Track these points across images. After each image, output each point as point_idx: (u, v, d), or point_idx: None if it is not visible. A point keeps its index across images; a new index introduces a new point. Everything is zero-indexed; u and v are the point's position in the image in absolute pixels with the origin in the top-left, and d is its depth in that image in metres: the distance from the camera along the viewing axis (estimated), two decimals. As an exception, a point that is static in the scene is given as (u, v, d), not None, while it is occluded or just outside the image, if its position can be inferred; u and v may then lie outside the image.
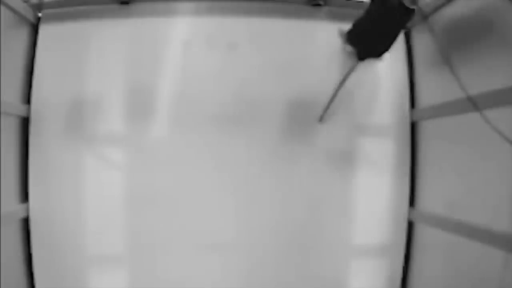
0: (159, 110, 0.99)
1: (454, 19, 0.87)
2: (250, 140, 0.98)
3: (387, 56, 1.01)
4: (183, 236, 0.96)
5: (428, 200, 0.96)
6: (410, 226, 1.00)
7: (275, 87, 0.99)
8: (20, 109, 0.94)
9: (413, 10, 0.88)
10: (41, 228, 0.95)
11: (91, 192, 0.96)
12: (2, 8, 0.85)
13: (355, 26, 0.92)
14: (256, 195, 0.97)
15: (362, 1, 1.01)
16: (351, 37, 0.93)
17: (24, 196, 0.95)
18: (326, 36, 1.01)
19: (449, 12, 0.88)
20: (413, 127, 1.01)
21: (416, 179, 1.00)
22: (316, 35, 1.01)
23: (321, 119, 0.96)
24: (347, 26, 1.00)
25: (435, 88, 0.93)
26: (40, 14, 0.98)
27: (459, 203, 0.83)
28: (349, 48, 0.93)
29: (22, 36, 0.95)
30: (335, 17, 1.01)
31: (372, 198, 1.01)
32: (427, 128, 0.97)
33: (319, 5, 1.00)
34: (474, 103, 0.75)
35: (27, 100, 0.96)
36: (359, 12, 0.98)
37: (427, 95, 0.96)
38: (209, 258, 0.96)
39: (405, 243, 1.00)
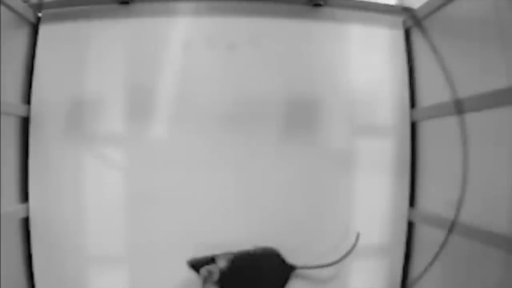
0: (160, 110, 0.98)
1: (454, 19, 0.87)
2: (250, 140, 0.98)
3: (387, 56, 1.02)
4: (184, 236, 0.96)
5: (428, 200, 0.96)
6: (410, 226, 1.00)
7: (276, 87, 0.99)
8: (20, 109, 0.94)
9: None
10: (41, 228, 0.95)
11: (91, 192, 0.96)
12: (2, 8, 0.85)
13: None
14: (257, 195, 0.97)
15: (362, 1, 1.01)
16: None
17: (24, 196, 0.95)
18: (326, 36, 1.01)
19: (449, 12, 0.88)
20: (413, 127, 1.01)
21: (416, 179, 1.00)
22: (316, 35, 1.01)
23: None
24: (346, 29, 1.01)
25: (435, 88, 0.93)
26: (40, 14, 0.97)
27: (459, 203, 0.83)
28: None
29: (22, 36, 0.95)
30: (335, 17, 1.01)
31: (372, 198, 1.00)
32: (427, 128, 0.97)
33: (319, 5, 1.00)
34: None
35: (27, 100, 0.96)
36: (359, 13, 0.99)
37: (427, 95, 0.96)
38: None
39: (405, 243, 1.00)
